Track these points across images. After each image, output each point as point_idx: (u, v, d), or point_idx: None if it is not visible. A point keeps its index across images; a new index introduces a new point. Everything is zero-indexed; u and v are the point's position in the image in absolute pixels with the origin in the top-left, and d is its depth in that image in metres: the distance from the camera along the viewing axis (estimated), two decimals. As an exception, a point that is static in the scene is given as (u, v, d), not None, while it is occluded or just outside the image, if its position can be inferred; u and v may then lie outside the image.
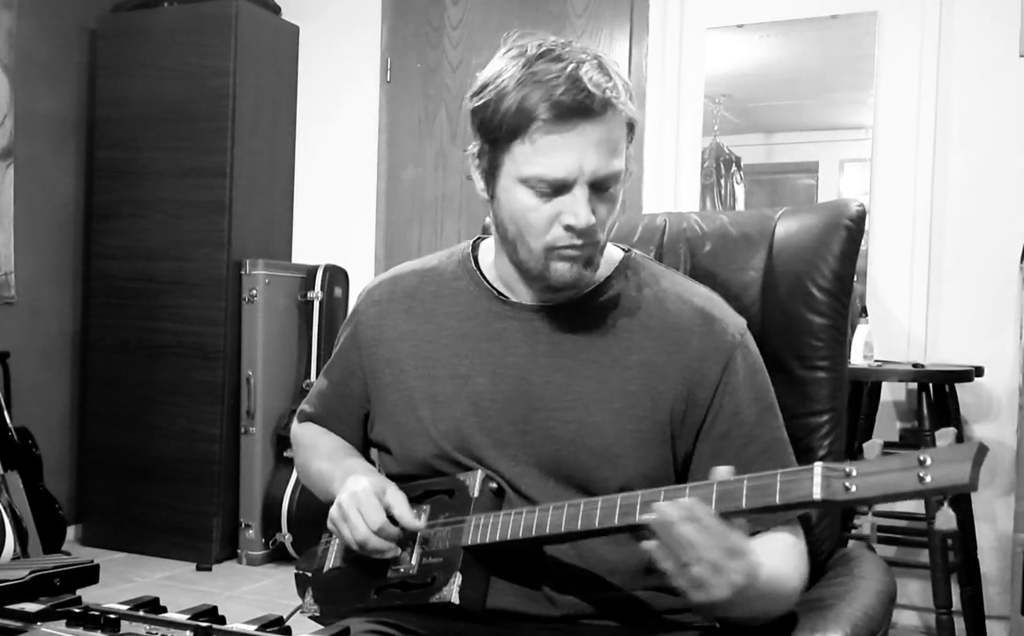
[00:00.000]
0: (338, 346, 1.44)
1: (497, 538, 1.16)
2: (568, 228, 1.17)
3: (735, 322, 1.28)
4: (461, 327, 1.31)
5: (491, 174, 1.22)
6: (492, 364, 1.27)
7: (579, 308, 1.27)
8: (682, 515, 1.00)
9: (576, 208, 1.16)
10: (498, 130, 1.17)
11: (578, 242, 1.18)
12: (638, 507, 1.08)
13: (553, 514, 1.13)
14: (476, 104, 1.20)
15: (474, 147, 1.23)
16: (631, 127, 1.20)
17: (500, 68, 1.19)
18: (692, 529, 1.00)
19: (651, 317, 1.26)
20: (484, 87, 1.19)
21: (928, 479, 0.91)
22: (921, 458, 0.92)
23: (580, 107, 1.13)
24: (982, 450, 0.91)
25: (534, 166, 1.15)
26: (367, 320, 1.39)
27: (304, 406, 1.50)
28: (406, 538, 1.23)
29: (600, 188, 1.17)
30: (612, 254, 1.31)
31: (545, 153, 1.15)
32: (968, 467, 0.90)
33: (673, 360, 1.23)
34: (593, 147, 1.14)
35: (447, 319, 1.32)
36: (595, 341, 1.25)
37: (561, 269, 1.20)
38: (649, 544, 1.04)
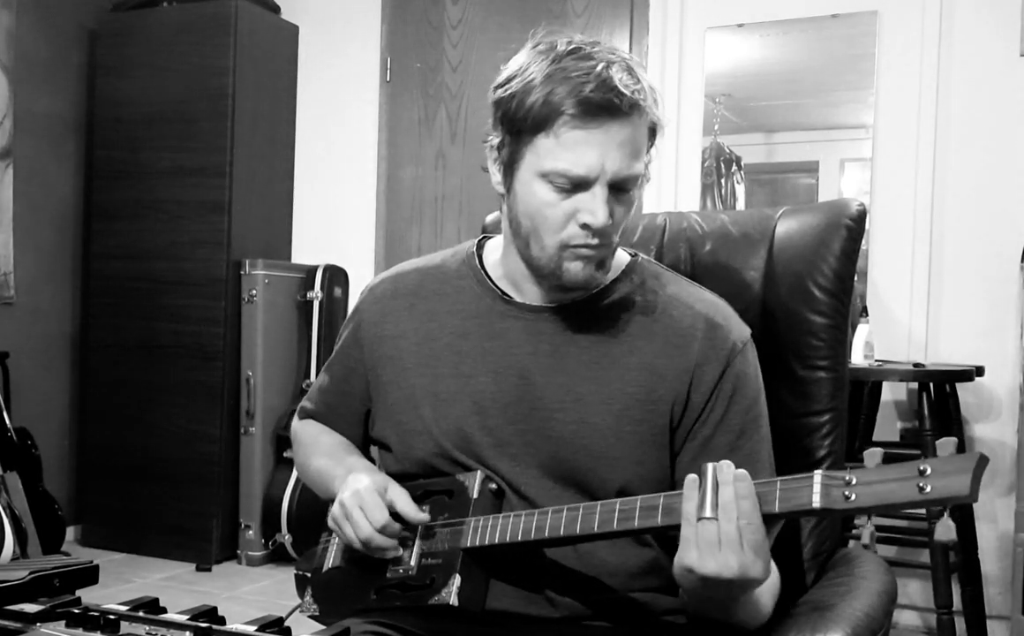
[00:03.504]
0: (340, 343, 1.43)
1: (496, 540, 1.16)
2: (584, 226, 1.16)
3: (739, 330, 1.27)
4: (463, 326, 1.30)
5: (510, 167, 1.21)
6: (494, 363, 1.27)
7: (583, 310, 1.26)
8: (734, 480, 1.00)
9: (594, 207, 1.15)
10: (522, 122, 1.16)
11: (593, 242, 1.17)
12: (637, 512, 1.08)
13: (552, 517, 1.13)
14: (501, 95, 1.19)
15: (494, 138, 1.22)
16: (653, 132, 1.20)
17: (527, 61, 1.18)
18: (733, 494, 1.00)
19: (655, 321, 1.26)
20: (510, 79, 1.18)
21: (928, 489, 0.91)
22: (921, 468, 0.92)
23: (608, 105, 1.12)
24: (982, 461, 0.90)
25: (556, 160, 1.15)
26: (369, 317, 1.38)
27: (305, 403, 1.49)
28: (406, 538, 1.23)
29: (619, 189, 1.17)
30: (619, 257, 1.31)
31: (569, 148, 1.14)
32: (968, 478, 0.89)
33: (674, 364, 1.23)
34: (617, 147, 1.14)
35: (449, 317, 1.32)
36: (597, 343, 1.25)
37: (574, 268, 1.19)
38: (690, 477, 1.03)
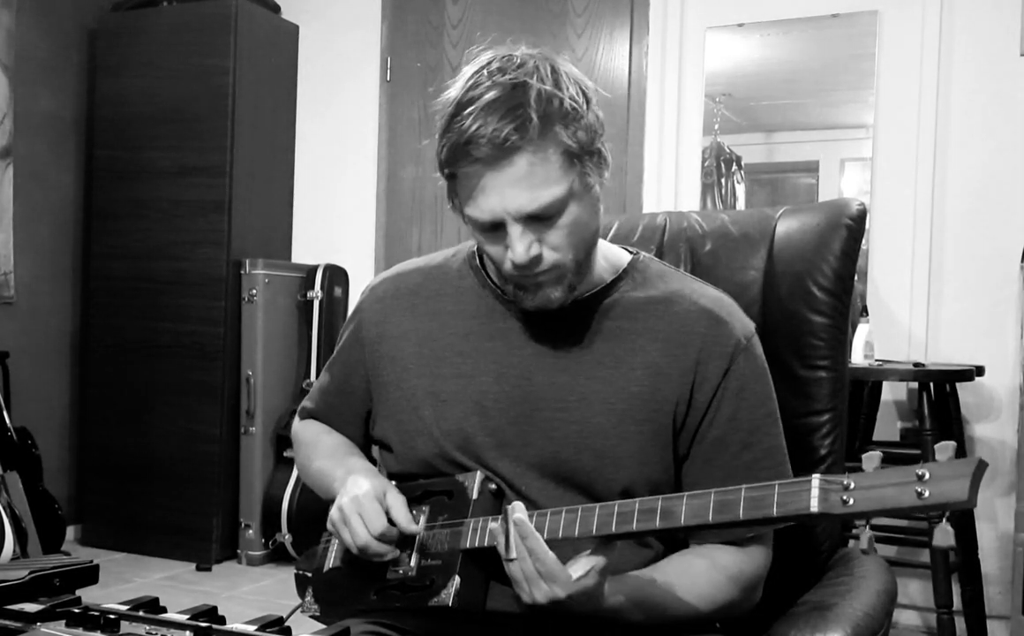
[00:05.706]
0: (341, 342, 1.43)
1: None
2: (513, 264, 1.17)
3: (743, 325, 1.26)
4: (465, 326, 1.30)
5: (453, 203, 1.23)
6: (496, 363, 1.26)
7: (585, 309, 1.26)
8: (512, 526, 1.07)
9: (513, 245, 1.15)
10: (441, 170, 1.20)
11: (529, 273, 1.17)
12: (635, 515, 1.07)
13: (551, 519, 1.12)
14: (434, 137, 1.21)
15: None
16: (570, 152, 1.13)
17: (445, 100, 1.18)
18: (517, 538, 1.07)
19: (657, 319, 1.25)
20: (436, 119, 1.20)
21: (926, 494, 0.90)
22: (920, 473, 0.91)
23: (486, 158, 1.12)
24: (981, 466, 0.90)
25: (468, 208, 1.17)
26: (370, 317, 1.38)
27: (306, 403, 1.49)
28: (406, 539, 1.23)
29: (541, 218, 1.14)
30: (619, 257, 1.31)
31: (471, 197, 1.15)
32: (967, 484, 0.89)
33: (677, 362, 1.22)
34: (510, 187, 1.12)
35: (451, 317, 1.32)
36: (599, 342, 1.25)
37: (528, 298, 1.20)
38: (492, 526, 1.12)
